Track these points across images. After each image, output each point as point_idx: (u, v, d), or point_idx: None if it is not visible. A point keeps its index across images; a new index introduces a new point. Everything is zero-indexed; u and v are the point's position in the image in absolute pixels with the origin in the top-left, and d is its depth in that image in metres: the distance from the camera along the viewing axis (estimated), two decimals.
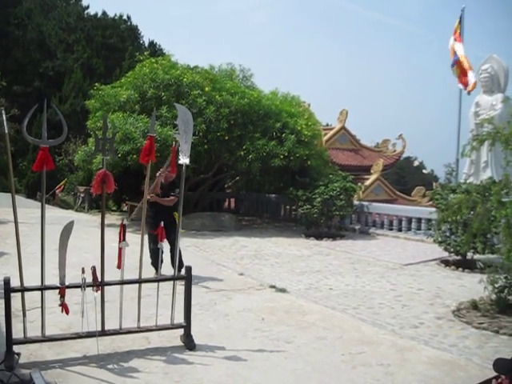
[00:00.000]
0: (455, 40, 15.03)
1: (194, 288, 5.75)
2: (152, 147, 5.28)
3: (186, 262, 7.38)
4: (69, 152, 25.96)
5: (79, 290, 5.05)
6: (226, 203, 22.18)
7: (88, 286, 5.09)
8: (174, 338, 5.69)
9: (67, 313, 5.11)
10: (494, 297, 7.09)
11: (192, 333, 5.58)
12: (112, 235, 7.39)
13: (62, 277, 5.07)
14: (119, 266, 5.35)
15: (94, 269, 5.14)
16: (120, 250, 5.28)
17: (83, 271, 5.05)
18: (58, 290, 5.06)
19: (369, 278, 9.27)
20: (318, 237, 13.98)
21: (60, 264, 5.06)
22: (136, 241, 5.58)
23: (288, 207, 18.46)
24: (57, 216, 15.54)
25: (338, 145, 25.64)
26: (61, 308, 5.07)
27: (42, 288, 5.08)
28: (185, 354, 5.32)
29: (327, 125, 29.31)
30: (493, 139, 7.05)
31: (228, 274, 9.32)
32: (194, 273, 5.84)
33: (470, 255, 10.10)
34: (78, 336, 5.25)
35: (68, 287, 5.10)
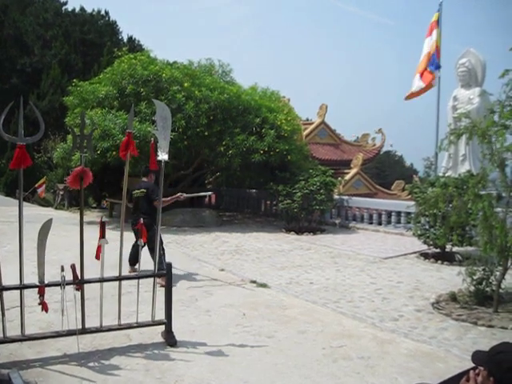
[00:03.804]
0: (427, 35, 14.88)
1: (174, 284, 5.75)
2: (130, 143, 5.26)
3: (166, 259, 7.38)
4: (48, 149, 25.69)
5: (59, 288, 5.02)
6: (207, 199, 22.13)
7: (68, 283, 5.06)
8: (155, 334, 5.68)
9: (47, 311, 5.07)
10: (472, 289, 7.19)
11: (173, 329, 5.57)
12: (92, 232, 7.33)
13: (41, 275, 5.03)
14: (97, 257, 5.29)
15: (73, 267, 5.11)
16: (99, 247, 5.24)
17: (62, 269, 5.01)
18: (37, 289, 5.02)
19: (349, 271, 9.33)
20: (299, 231, 14.04)
21: (39, 262, 5.02)
22: (116, 238, 5.55)
23: (268, 202, 18.50)
24: (36, 214, 15.42)
25: (318, 139, 25.73)
26: (40, 307, 5.04)
27: (21, 287, 5.02)
28: (166, 351, 5.32)
29: (307, 119, 29.39)
30: (470, 133, 7.13)
31: (209, 270, 9.33)
32: (174, 269, 5.84)
33: (448, 248, 10.22)
34: (59, 334, 5.21)
35: (47, 285, 5.06)
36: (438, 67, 14.31)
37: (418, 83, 14.67)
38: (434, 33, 14.53)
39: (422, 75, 14.59)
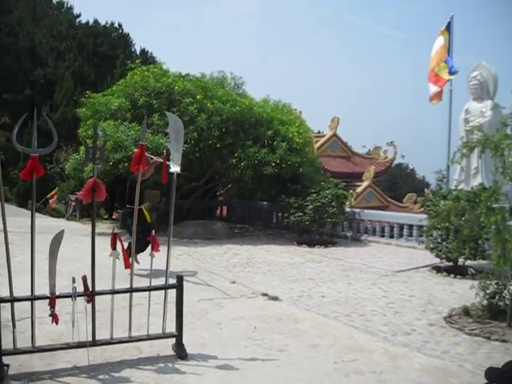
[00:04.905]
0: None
1: (185, 297, 5.73)
2: (142, 155, 5.27)
3: (178, 270, 7.38)
4: (60, 160, 25.79)
5: (70, 299, 5.02)
6: (218, 211, 22.15)
7: (79, 295, 5.06)
8: (166, 347, 5.66)
9: (57, 323, 5.07)
10: (485, 303, 7.12)
11: (184, 342, 5.55)
12: (103, 244, 7.35)
13: (52, 287, 5.03)
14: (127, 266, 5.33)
15: (84, 278, 5.11)
16: (124, 250, 5.26)
17: (74, 281, 5.01)
18: (48, 300, 5.02)
19: (361, 285, 9.27)
20: (310, 244, 13.98)
21: (50, 274, 5.03)
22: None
23: (280, 215, 18.46)
24: (48, 225, 15.47)
25: (330, 152, 25.75)
26: (51, 318, 5.04)
27: (32, 298, 5.03)
28: (176, 364, 5.29)
29: (319, 132, 29.42)
30: (482, 146, 7.09)
31: (220, 283, 9.30)
32: (185, 282, 5.83)
33: (461, 261, 10.13)
34: (69, 346, 5.20)
35: (58, 297, 5.07)
36: (452, 71, 14.26)
37: (433, 89, 14.69)
38: (441, 39, 14.54)
39: (434, 81, 14.61)
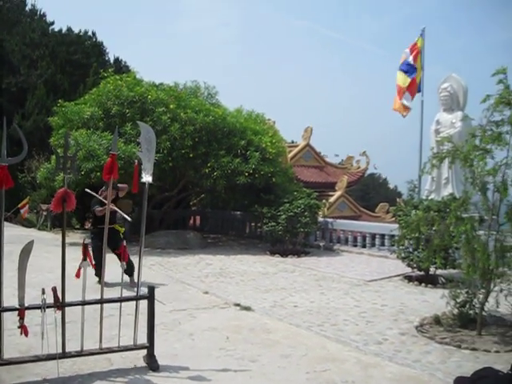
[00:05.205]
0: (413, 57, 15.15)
1: (157, 307, 5.69)
2: (114, 165, 5.24)
3: (150, 281, 7.33)
4: (32, 169, 25.46)
5: (39, 311, 4.94)
6: (191, 221, 22.08)
7: (48, 306, 4.99)
8: (138, 358, 5.60)
9: (27, 335, 4.98)
10: (455, 311, 7.20)
11: (156, 353, 5.50)
12: (74, 254, 7.25)
13: (21, 298, 4.96)
14: (77, 275, 5.25)
15: (54, 289, 5.04)
16: (79, 269, 5.20)
17: (43, 292, 4.95)
18: (17, 312, 4.94)
19: (333, 294, 9.31)
20: (283, 254, 14.01)
21: (19, 285, 4.95)
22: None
23: (253, 224, 18.48)
24: (18, 234, 15.25)
25: (303, 162, 25.87)
26: (20, 330, 4.95)
27: (1, 310, 4.94)
28: (148, 375, 5.24)
29: (292, 142, 29.52)
30: (452, 157, 7.21)
31: (193, 293, 9.25)
32: (157, 292, 5.79)
33: (432, 270, 10.24)
34: (38, 359, 5.11)
35: (27, 308, 4.98)
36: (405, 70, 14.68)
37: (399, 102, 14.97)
38: (417, 58, 14.78)
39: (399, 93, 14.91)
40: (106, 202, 8.60)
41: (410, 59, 14.75)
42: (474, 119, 7.68)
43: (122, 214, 9.17)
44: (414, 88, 14.84)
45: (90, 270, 5.30)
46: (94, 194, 9.16)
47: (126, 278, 5.81)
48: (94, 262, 5.60)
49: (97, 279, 8.08)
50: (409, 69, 14.75)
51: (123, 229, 9.60)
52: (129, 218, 9.19)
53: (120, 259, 5.99)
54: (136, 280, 5.92)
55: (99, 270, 5.89)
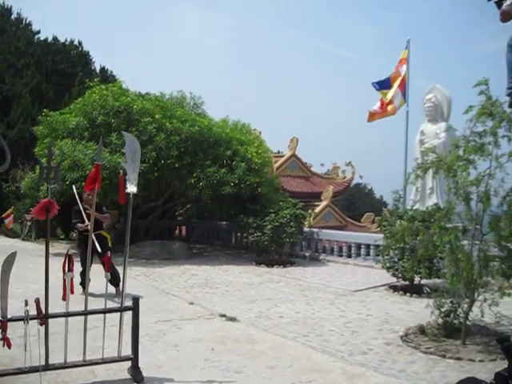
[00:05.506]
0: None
1: (142, 318, 5.66)
2: (98, 175, 5.22)
3: (135, 292, 7.29)
4: (16, 179, 25.26)
5: (22, 322, 4.89)
6: (177, 231, 22.01)
7: (31, 318, 4.94)
8: (122, 370, 5.56)
9: (10, 347, 4.92)
10: (440, 321, 7.23)
11: (140, 365, 5.47)
12: (59, 265, 7.19)
13: (4, 309, 4.90)
14: (64, 298, 5.22)
15: (37, 301, 4.99)
16: (64, 281, 5.15)
17: (26, 303, 4.90)
18: None
19: (319, 304, 9.31)
20: (269, 264, 13.99)
21: (1, 296, 4.90)
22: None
23: (239, 235, 18.46)
24: (2, 245, 15.11)
25: (289, 172, 25.92)
26: (3, 342, 4.89)
27: None
28: None
29: (278, 152, 29.59)
30: (436, 167, 7.27)
31: (178, 304, 9.22)
32: (142, 303, 5.76)
33: (417, 280, 10.28)
34: (21, 371, 5.05)
35: (10, 320, 4.92)
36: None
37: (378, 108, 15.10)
38: (403, 68, 14.89)
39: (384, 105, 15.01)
40: (88, 209, 8.57)
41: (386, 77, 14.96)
42: (458, 130, 7.76)
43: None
44: (403, 84, 14.94)
45: (75, 281, 5.26)
46: (78, 200, 9.00)
47: (111, 288, 5.76)
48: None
49: (81, 290, 8.02)
50: (385, 84, 14.92)
51: (109, 235, 9.55)
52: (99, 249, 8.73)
53: (105, 269, 5.95)
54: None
55: (84, 280, 5.85)
